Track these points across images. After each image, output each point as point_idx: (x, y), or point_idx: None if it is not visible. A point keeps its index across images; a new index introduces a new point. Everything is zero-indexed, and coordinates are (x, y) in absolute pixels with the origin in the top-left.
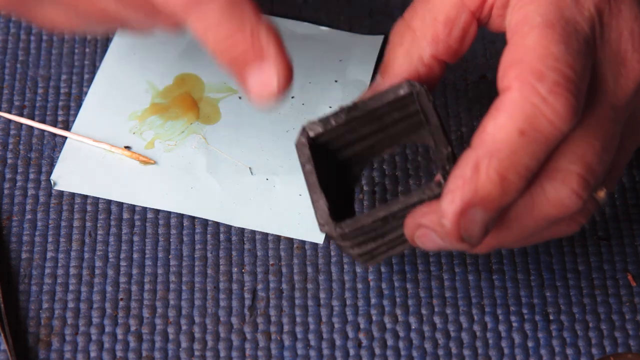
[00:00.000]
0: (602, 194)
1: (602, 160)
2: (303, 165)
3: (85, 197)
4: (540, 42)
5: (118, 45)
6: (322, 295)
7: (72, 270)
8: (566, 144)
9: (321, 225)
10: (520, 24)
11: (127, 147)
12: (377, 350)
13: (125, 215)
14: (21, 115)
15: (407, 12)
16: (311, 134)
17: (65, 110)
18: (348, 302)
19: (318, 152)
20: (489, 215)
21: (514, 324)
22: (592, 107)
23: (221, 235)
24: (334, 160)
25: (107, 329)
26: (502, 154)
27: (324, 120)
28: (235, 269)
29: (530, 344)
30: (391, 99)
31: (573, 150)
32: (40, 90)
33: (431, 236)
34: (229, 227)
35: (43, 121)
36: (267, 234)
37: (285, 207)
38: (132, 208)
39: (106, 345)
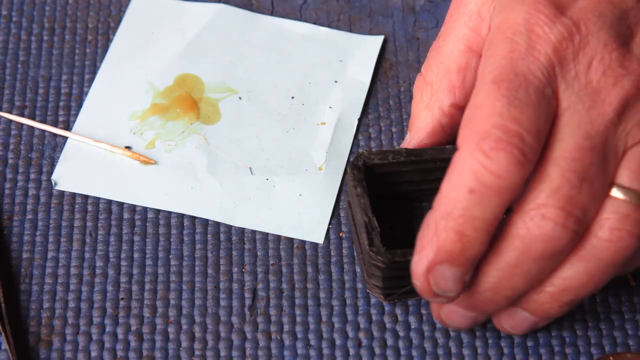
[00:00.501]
0: None
1: (582, 189)
2: (355, 187)
3: (86, 197)
4: (486, 100)
5: (118, 45)
6: (322, 295)
7: (72, 270)
8: (543, 181)
9: (372, 249)
10: (477, 81)
11: (128, 147)
12: (377, 350)
13: (126, 215)
14: (22, 115)
15: (423, 67)
16: (367, 161)
17: (66, 111)
18: (348, 302)
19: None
20: (459, 269)
21: None
22: (561, 143)
23: (221, 235)
24: (372, 193)
25: (107, 329)
26: (456, 213)
27: (382, 154)
28: (235, 269)
29: (529, 343)
30: (447, 156)
31: (549, 186)
32: (41, 91)
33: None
34: (229, 227)
35: (44, 121)
36: (267, 234)
37: (285, 207)
38: (133, 208)
39: (107, 345)
